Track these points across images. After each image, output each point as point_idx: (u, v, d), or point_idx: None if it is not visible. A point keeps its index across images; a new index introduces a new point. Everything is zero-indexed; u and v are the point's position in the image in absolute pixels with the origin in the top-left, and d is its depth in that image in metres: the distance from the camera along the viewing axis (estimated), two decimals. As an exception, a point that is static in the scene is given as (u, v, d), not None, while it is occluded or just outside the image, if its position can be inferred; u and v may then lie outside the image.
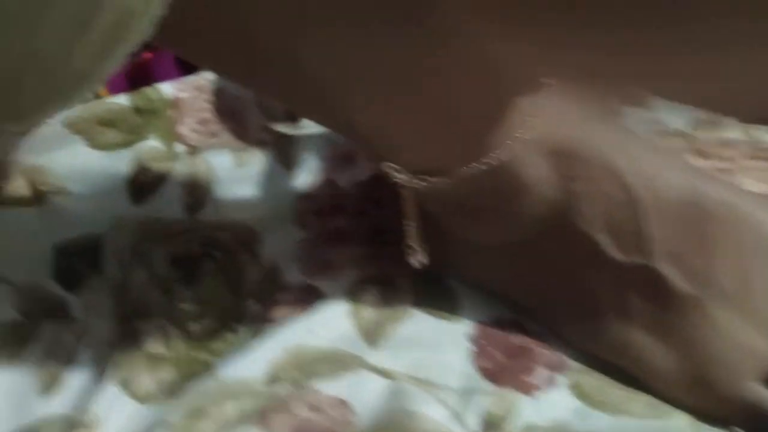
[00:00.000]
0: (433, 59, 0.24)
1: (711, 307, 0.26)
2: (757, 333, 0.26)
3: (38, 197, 0.32)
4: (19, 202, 0.32)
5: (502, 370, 0.27)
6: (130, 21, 0.13)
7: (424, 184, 0.26)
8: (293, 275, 0.30)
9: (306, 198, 0.35)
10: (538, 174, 0.26)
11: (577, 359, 0.28)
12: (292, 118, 0.39)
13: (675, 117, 0.39)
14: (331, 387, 0.26)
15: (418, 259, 0.29)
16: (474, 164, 0.26)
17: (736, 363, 0.26)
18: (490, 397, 0.26)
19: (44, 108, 0.15)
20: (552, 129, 0.26)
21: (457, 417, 0.25)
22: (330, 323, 0.28)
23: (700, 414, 0.26)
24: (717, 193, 0.27)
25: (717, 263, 0.26)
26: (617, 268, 0.27)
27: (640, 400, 0.26)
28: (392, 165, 0.27)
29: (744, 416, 0.26)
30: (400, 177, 0.27)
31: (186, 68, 0.41)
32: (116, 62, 0.14)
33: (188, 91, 0.38)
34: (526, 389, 0.26)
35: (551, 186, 0.27)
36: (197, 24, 0.21)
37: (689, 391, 0.26)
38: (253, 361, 0.26)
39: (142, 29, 0.14)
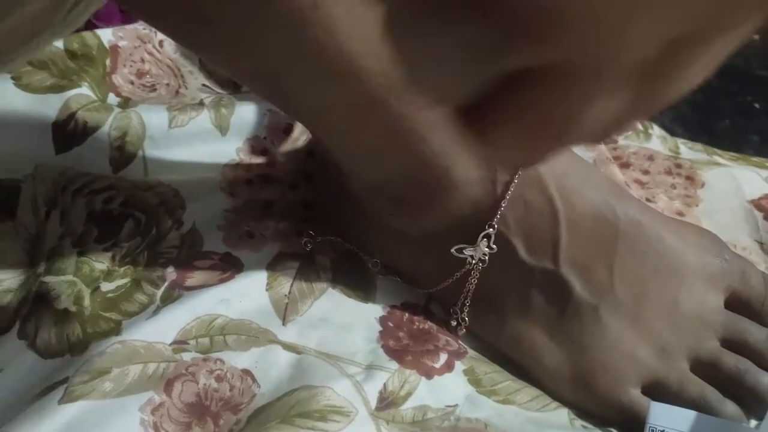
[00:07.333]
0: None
1: (605, 316, 0.28)
2: (642, 343, 0.28)
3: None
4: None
5: (406, 352, 0.28)
6: (55, 13, 0.13)
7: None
8: (215, 243, 0.30)
9: (238, 166, 0.34)
10: (467, 174, 0.27)
11: (476, 348, 0.29)
12: (235, 83, 0.39)
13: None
14: (238, 358, 0.26)
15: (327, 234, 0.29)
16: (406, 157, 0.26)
17: (620, 369, 0.28)
18: (392, 376, 0.27)
19: None
20: None
21: (359, 391, 0.26)
22: (245, 295, 0.28)
23: (581, 412, 0.28)
24: (628, 212, 0.28)
25: (617, 277, 0.28)
26: (526, 270, 0.28)
27: (528, 392, 0.28)
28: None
29: (621, 418, 0.28)
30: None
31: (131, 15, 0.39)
32: (37, 49, 0.14)
33: (129, 40, 0.37)
34: (426, 372, 0.28)
35: (479, 187, 0.27)
36: None
37: (573, 390, 0.28)
38: (163, 326, 0.26)
39: (70, 21, 0.13)
